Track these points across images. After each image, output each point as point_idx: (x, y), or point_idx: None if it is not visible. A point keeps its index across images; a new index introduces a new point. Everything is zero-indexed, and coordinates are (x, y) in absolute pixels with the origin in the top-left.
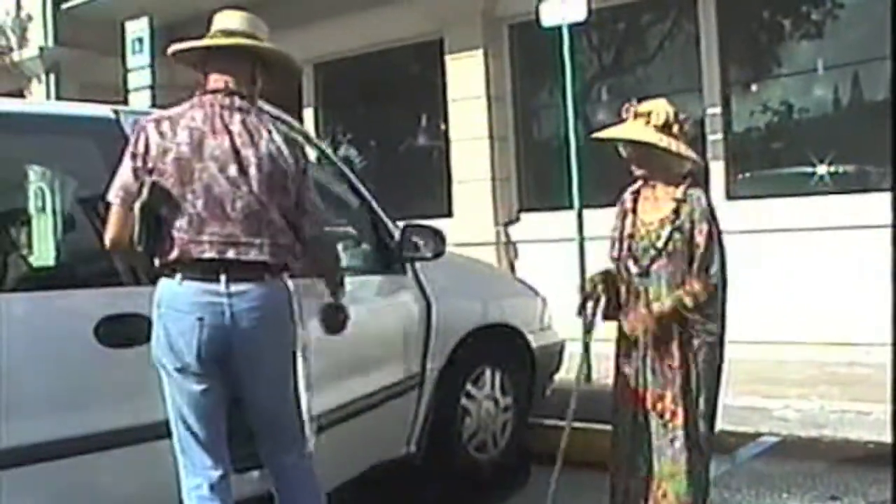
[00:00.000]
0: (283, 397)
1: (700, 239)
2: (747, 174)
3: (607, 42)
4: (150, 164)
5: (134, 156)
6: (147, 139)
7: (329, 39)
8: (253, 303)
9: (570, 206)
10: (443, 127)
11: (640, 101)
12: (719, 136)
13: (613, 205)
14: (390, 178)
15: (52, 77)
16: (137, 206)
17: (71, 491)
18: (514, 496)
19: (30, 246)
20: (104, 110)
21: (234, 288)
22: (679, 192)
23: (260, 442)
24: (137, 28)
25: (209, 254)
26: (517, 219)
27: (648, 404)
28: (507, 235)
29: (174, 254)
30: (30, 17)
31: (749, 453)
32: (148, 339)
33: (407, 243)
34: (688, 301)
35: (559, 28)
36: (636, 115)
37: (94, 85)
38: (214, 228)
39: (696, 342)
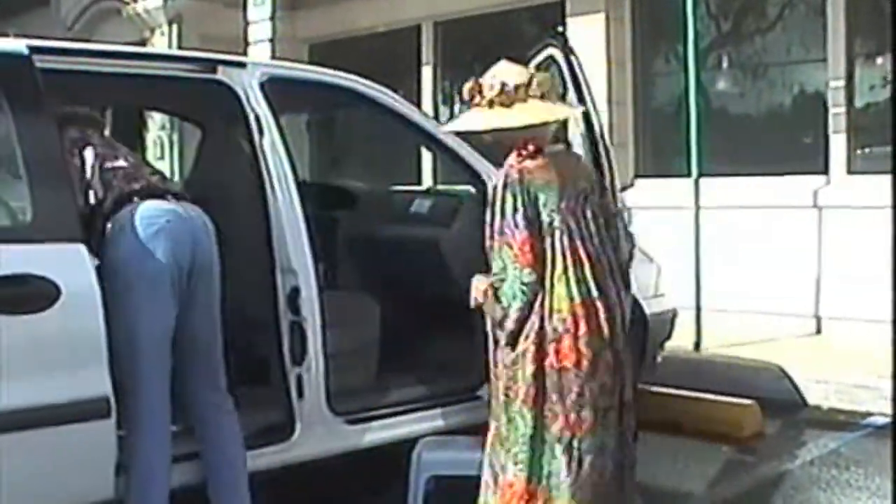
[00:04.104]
0: (216, 329)
1: None
2: (867, 150)
3: (730, 9)
4: None
5: None
6: None
7: None
8: (196, 213)
9: (688, 174)
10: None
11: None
12: (842, 109)
13: (731, 174)
14: None
15: (174, 28)
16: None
17: None
18: None
19: None
20: None
21: (178, 202)
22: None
23: (189, 379)
24: None
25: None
26: (632, 184)
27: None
28: (621, 201)
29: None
30: None
31: (858, 432)
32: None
33: None
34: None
35: None
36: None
37: (215, 37)
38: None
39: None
